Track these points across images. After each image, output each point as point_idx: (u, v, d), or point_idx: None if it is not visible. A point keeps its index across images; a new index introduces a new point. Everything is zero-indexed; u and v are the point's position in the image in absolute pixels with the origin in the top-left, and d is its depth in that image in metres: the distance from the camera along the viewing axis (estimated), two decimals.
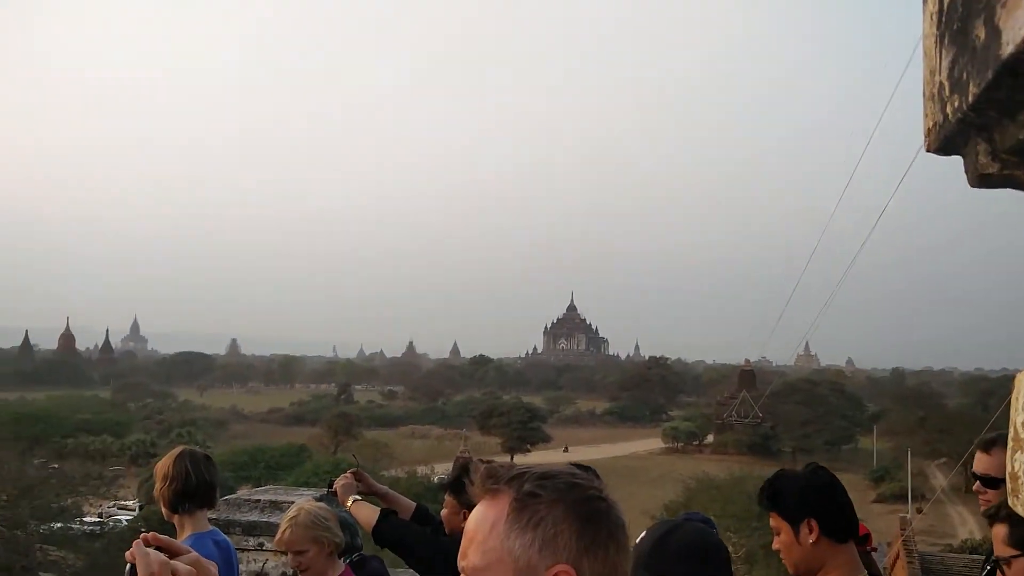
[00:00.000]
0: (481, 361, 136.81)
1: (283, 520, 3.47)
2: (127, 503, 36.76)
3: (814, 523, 2.25)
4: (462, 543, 1.18)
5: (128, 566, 1.11)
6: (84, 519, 27.49)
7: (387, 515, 3.67)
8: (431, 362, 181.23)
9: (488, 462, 1.46)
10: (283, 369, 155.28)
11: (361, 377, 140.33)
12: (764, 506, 2.40)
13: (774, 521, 2.34)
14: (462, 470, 3.54)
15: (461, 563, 1.17)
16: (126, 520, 31.05)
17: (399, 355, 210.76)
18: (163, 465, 3.29)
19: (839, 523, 2.29)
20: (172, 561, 1.13)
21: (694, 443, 74.44)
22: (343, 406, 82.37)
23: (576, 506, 1.13)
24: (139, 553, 1.12)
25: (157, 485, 3.27)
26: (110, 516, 31.96)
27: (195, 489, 3.25)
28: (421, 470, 38.75)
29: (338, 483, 3.79)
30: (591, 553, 1.12)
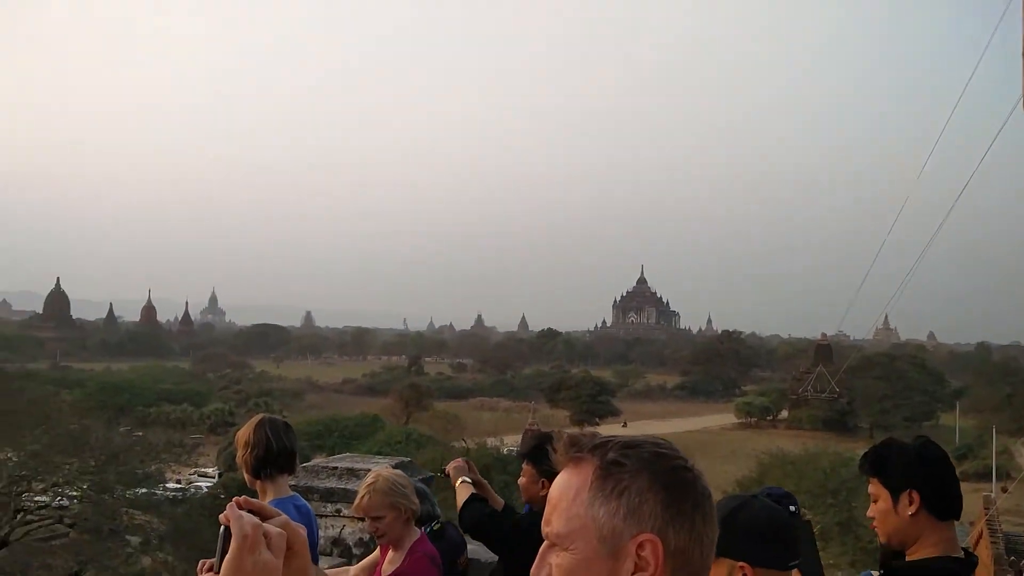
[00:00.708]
0: (549, 334, 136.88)
1: (361, 486, 3.51)
2: (207, 470, 38.08)
3: (916, 495, 2.21)
4: (546, 510, 1.20)
5: (223, 528, 1.14)
6: (167, 485, 28.57)
7: (474, 500, 3.75)
8: (499, 335, 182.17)
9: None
10: (355, 341, 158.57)
11: (431, 349, 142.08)
12: (866, 471, 2.35)
13: (873, 488, 2.30)
14: (543, 438, 3.56)
15: (545, 529, 1.18)
16: (206, 487, 32.16)
17: (468, 328, 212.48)
18: (244, 432, 3.34)
19: (943, 499, 2.24)
20: (264, 524, 1.15)
21: (768, 418, 73.26)
22: (414, 378, 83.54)
23: (662, 476, 1.14)
24: (233, 516, 1.14)
25: (239, 452, 3.32)
26: (191, 483, 33.15)
27: (276, 455, 3.29)
28: (491, 441, 39.03)
29: (451, 465, 3.93)
30: (677, 523, 1.12)
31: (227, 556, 1.13)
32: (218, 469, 37.56)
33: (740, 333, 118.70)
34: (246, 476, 3.35)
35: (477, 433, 45.23)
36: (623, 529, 1.12)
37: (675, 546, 1.13)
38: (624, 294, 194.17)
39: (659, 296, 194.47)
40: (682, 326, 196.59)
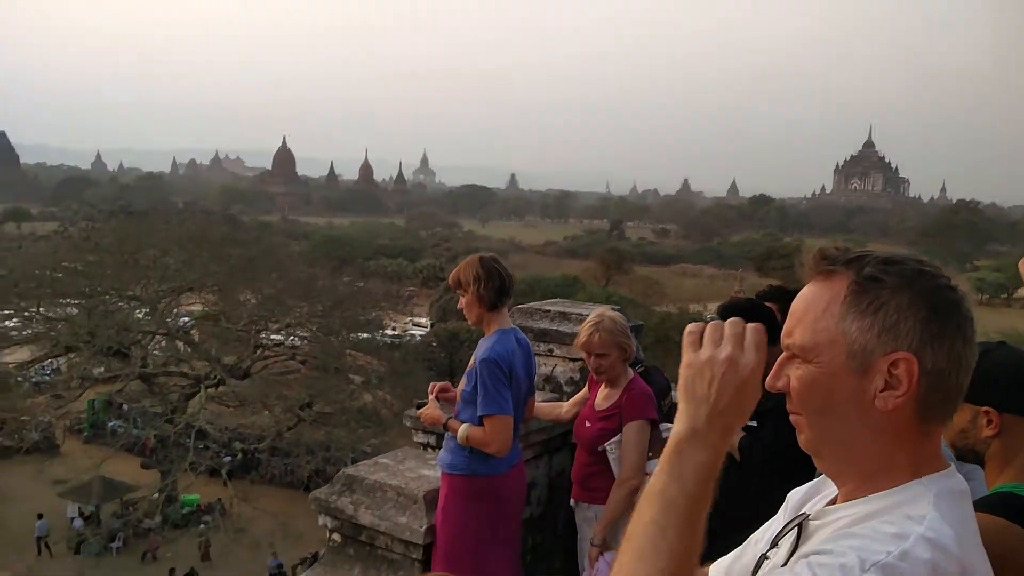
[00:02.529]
0: (761, 201, 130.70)
1: (585, 324, 3.64)
2: (420, 320, 40.35)
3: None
4: (788, 322, 1.16)
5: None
6: (384, 332, 30.51)
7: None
8: (707, 201, 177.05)
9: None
10: (558, 204, 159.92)
11: (633, 214, 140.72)
12: None
13: None
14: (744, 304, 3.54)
15: (786, 341, 1.16)
16: (419, 335, 34.10)
17: (673, 193, 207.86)
18: (470, 269, 3.36)
19: None
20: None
21: (1002, 296, 66.72)
22: (615, 242, 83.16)
23: (924, 294, 1.09)
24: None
25: (471, 289, 3.34)
26: (406, 331, 35.29)
27: (508, 286, 3.39)
28: (693, 307, 38.29)
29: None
30: (936, 343, 1.08)
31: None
32: (430, 320, 39.64)
33: (978, 203, 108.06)
34: (476, 312, 3.37)
35: (678, 299, 44.57)
36: (876, 346, 1.08)
37: (931, 366, 1.08)
38: (848, 158, 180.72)
39: (887, 161, 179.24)
40: (911, 194, 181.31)
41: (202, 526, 22.41)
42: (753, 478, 2.73)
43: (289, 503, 23.04)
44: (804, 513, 1.23)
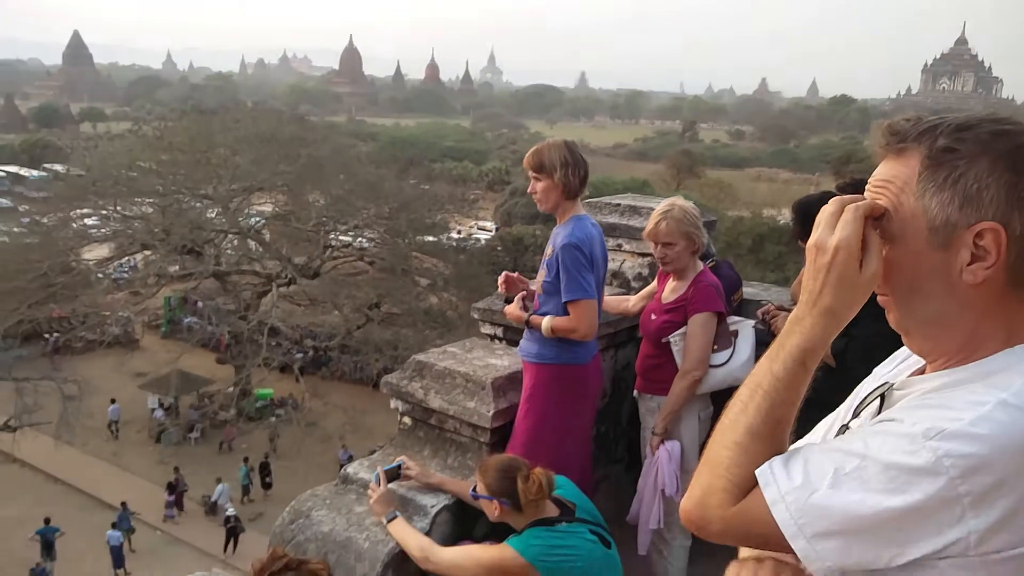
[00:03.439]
0: (842, 101, 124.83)
1: (655, 213, 3.57)
2: (485, 224, 40.14)
3: None
4: None
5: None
6: (450, 235, 30.39)
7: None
8: (785, 101, 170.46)
9: None
10: (628, 104, 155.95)
11: (707, 115, 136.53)
12: None
13: None
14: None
15: None
16: (484, 239, 33.92)
17: (749, 93, 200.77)
18: (555, 152, 3.26)
19: None
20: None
21: None
22: (687, 144, 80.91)
23: (1004, 157, 1.04)
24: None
25: (557, 173, 3.24)
26: (471, 235, 35.14)
27: (587, 175, 3.32)
28: (767, 212, 37.08)
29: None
30: (1022, 207, 1.03)
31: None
32: (495, 223, 39.38)
33: None
34: (553, 200, 3.27)
35: (751, 204, 43.24)
36: (958, 219, 1.05)
37: (1021, 232, 1.04)
38: (937, 56, 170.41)
39: (980, 59, 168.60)
40: (1004, 95, 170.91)
41: (272, 419, 23.14)
42: (847, 382, 2.42)
43: (359, 399, 23.57)
44: (888, 383, 1.21)
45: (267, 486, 20.26)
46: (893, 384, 1.20)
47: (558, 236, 3.29)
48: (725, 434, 1.12)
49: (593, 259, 3.27)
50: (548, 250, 3.34)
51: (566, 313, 3.25)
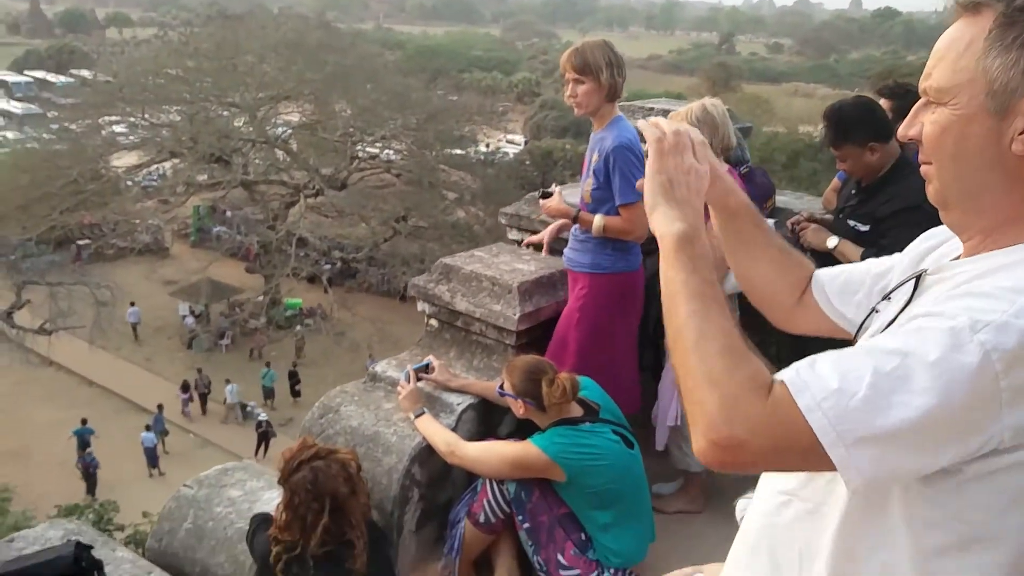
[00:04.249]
0: (887, 14, 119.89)
1: (673, 114, 3.55)
2: (514, 137, 39.63)
3: None
4: (928, 64, 1.09)
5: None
6: (478, 148, 30.05)
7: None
8: (826, 13, 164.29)
9: None
10: (664, 14, 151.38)
11: (745, 27, 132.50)
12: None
13: None
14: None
15: (923, 84, 1.09)
16: (513, 153, 33.53)
17: (790, 3, 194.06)
18: (599, 52, 3.17)
19: None
20: (688, 129, 1.27)
21: None
22: (723, 56, 78.67)
23: None
24: (644, 125, 1.26)
25: (602, 74, 3.14)
26: (499, 148, 34.74)
27: (625, 78, 3.25)
28: (803, 128, 36.25)
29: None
30: None
31: (647, 160, 1.24)
32: (524, 137, 38.88)
33: None
34: (594, 101, 3.18)
35: (788, 120, 42.25)
36: (1019, 84, 1.00)
37: None
38: None
39: None
40: None
41: (298, 328, 23.53)
42: None
43: (386, 311, 23.85)
44: (923, 269, 1.17)
45: (296, 394, 20.76)
46: (927, 270, 1.16)
47: (604, 140, 3.20)
48: (701, 348, 1.04)
49: (641, 160, 3.17)
50: (593, 157, 3.25)
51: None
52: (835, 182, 4.25)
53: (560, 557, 2.81)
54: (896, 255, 1.33)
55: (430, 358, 3.33)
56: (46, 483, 15.96)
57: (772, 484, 1.22)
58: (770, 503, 1.21)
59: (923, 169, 1.12)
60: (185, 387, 20.26)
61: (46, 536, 2.51)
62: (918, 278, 1.16)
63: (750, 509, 1.28)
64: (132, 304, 23.29)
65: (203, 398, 20.40)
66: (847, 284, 1.38)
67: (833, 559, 1.11)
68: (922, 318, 0.99)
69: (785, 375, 0.98)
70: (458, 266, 3.61)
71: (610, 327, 3.34)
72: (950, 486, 0.99)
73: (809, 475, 1.15)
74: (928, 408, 0.92)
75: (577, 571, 2.77)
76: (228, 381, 20.27)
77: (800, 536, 1.15)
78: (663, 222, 1.18)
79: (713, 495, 3.42)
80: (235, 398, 20.02)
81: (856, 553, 1.09)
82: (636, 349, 3.54)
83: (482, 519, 2.91)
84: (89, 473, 17.32)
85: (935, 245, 1.24)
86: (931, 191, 1.12)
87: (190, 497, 2.94)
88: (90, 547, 2.37)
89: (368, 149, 25.38)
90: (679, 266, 1.13)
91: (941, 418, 0.92)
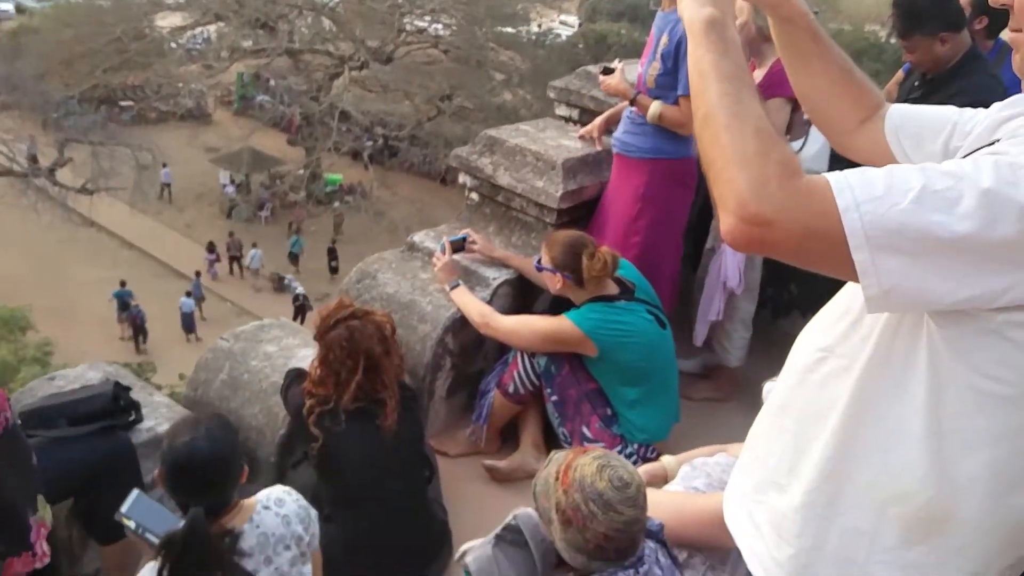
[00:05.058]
0: None
1: None
2: (568, 18, 38.33)
3: None
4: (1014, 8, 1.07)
5: None
6: (530, 27, 29.12)
7: None
8: None
9: None
10: None
11: None
12: None
13: None
14: None
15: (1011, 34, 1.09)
16: (566, 35, 32.49)
17: None
18: None
19: None
20: None
21: None
22: None
23: None
24: None
25: None
26: (551, 29, 33.65)
27: None
28: (868, 27, 34.61)
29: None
30: None
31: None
32: (579, 18, 37.61)
33: None
34: None
35: (854, 17, 40.32)
36: None
37: None
38: None
39: None
40: None
41: (336, 204, 23.61)
42: None
43: (426, 192, 23.80)
44: (996, 139, 1.13)
45: (333, 270, 21.02)
46: (1000, 140, 1.13)
47: (678, 24, 2.96)
48: (734, 128, 1.01)
49: None
50: (662, 39, 3.06)
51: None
52: (899, 75, 4.04)
53: (585, 430, 2.85)
54: (981, 112, 1.27)
55: (468, 231, 3.30)
56: (86, 340, 16.55)
57: (810, 342, 1.23)
58: (806, 360, 1.22)
59: (1011, 36, 1.09)
60: (211, 248, 20.67)
61: (86, 376, 2.58)
62: (991, 123, 1.16)
63: (784, 370, 1.28)
64: (164, 165, 23.38)
65: (233, 261, 20.87)
66: (922, 131, 1.33)
67: (849, 410, 1.12)
68: (987, 148, 0.99)
69: (830, 175, 0.97)
70: (503, 139, 3.53)
71: (660, 215, 3.25)
72: (973, 331, 0.99)
73: (846, 332, 1.15)
74: (966, 233, 0.91)
75: (601, 444, 2.80)
76: (254, 245, 20.63)
77: (829, 393, 1.16)
78: (692, 6, 1.15)
79: (743, 386, 3.41)
80: (258, 264, 20.49)
81: (872, 406, 1.10)
82: (681, 240, 3.47)
83: (511, 389, 2.94)
84: (138, 325, 17.96)
85: (1014, 115, 1.18)
86: (1017, 60, 1.09)
87: (226, 349, 2.99)
88: (128, 388, 2.43)
89: (416, 22, 24.69)
90: (709, 47, 1.10)
91: (976, 247, 0.92)
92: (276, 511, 1.98)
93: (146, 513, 1.95)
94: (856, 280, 0.96)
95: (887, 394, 1.08)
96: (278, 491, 2.04)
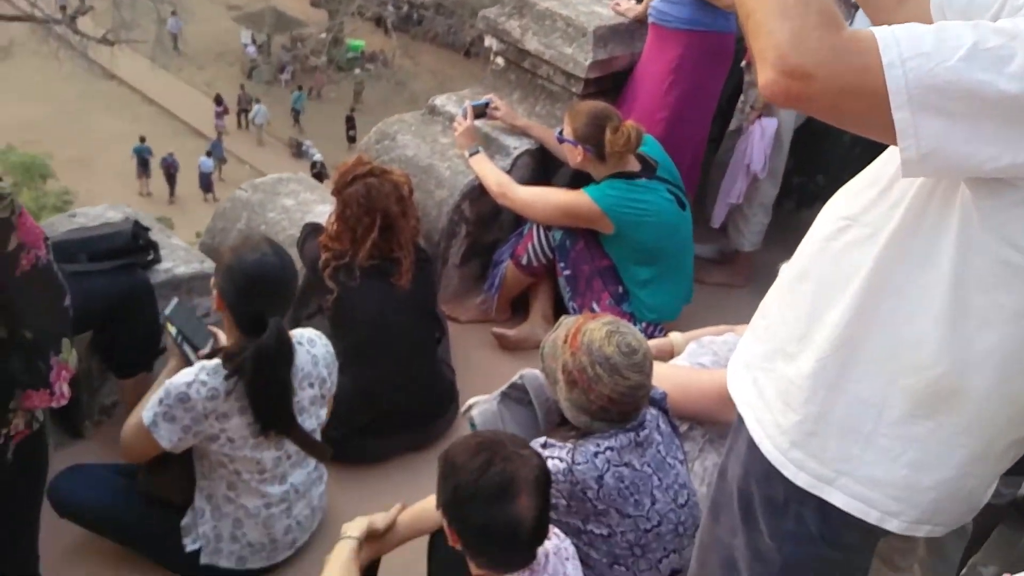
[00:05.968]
0: None
1: None
2: None
3: None
4: None
5: None
6: None
7: None
8: None
9: None
10: None
11: None
12: None
13: None
14: None
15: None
16: None
17: None
18: None
19: None
20: None
21: None
22: None
23: None
24: None
25: None
26: None
27: None
28: None
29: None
30: None
31: None
32: None
33: None
34: None
35: None
36: None
37: None
38: None
39: None
40: None
41: (357, 71, 23.09)
42: None
43: (448, 64, 23.20)
44: None
45: (351, 139, 20.76)
46: None
47: None
48: None
49: None
50: None
51: None
52: None
53: (595, 306, 2.86)
54: None
55: (491, 96, 3.23)
56: (106, 192, 16.56)
57: (834, 210, 1.20)
58: (829, 228, 1.19)
59: None
60: (219, 100, 20.46)
61: (106, 215, 2.59)
62: None
63: (806, 238, 1.25)
64: (173, 13, 22.65)
65: (241, 114, 20.82)
66: (970, 5, 1.25)
67: (871, 278, 1.10)
68: None
69: (877, 29, 0.92)
70: (533, 1, 3.39)
71: (691, 90, 3.16)
72: (1011, 202, 0.95)
73: (874, 199, 1.12)
74: (1014, 94, 0.87)
75: None
76: (258, 100, 20.40)
77: (851, 260, 1.13)
78: None
79: (758, 273, 3.40)
80: (262, 119, 20.36)
81: (895, 275, 1.08)
82: (710, 121, 3.38)
83: (524, 261, 2.95)
84: (171, 174, 18.03)
85: None
86: None
87: (244, 200, 3.00)
88: (148, 228, 2.44)
89: None
90: None
91: (1021, 111, 0.88)
92: (308, 349, 2.05)
93: (186, 322, 2.02)
94: (893, 142, 0.92)
95: (911, 264, 1.06)
96: (310, 332, 2.11)
